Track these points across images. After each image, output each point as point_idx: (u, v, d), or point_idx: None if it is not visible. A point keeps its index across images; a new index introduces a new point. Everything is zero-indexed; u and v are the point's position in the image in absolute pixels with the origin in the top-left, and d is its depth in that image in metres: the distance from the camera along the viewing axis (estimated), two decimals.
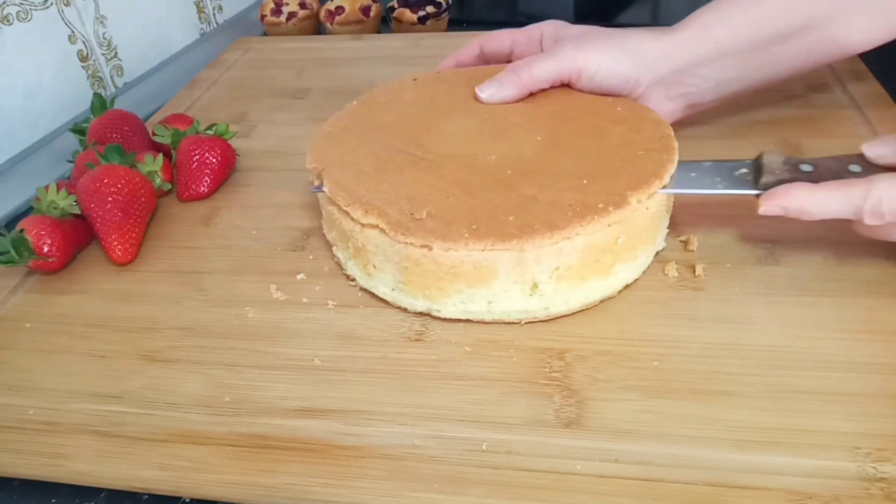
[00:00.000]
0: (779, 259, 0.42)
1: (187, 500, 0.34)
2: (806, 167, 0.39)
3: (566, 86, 0.49)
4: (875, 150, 0.38)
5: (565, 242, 0.37)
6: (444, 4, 0.86)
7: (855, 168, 0.38)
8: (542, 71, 0.47)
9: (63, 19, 0.67)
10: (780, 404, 0.33)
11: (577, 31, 0.50)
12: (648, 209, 0.39)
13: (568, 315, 0.39)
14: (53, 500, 0.35)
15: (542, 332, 0.39)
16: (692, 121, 0.52)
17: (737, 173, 0.40)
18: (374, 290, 0.42)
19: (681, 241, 0.44)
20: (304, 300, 0.43)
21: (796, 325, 0.37)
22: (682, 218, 0.44)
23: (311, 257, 0.46)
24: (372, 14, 0.87)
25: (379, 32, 0.90)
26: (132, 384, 0.39)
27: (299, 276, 0.45)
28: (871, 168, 0.38)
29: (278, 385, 0.37)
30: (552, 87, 0.48)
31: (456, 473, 0.32)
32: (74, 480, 0.35)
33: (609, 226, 0.37)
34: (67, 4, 0.67)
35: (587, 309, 0.40)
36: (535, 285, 0.38)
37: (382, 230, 0.39)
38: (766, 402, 0.34)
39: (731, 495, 0.30)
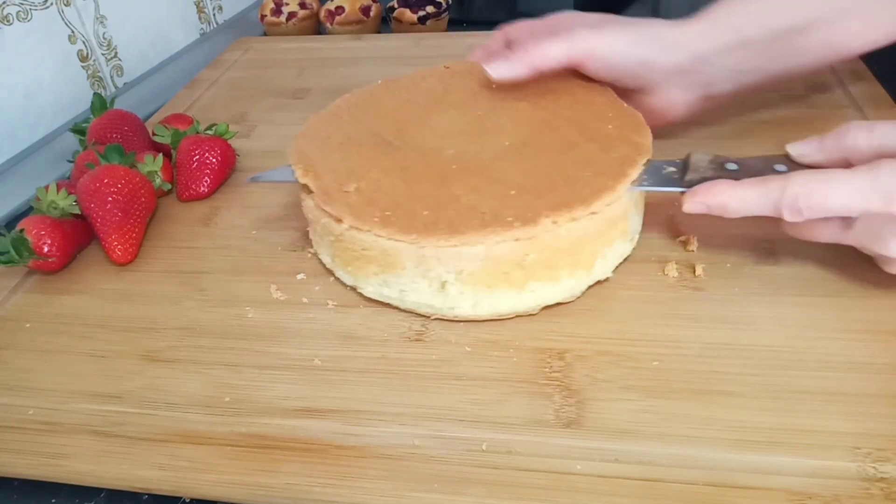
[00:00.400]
0: (779, 259, 0.42)
1: (187, 500, 0.34)
2: (731, 166, 0.39)
3: (582, 87, 0.47)
4: (798, 149, 0.39)
5: (465, 248, 0.36)
6: (444, 4, 0.86)
7: (780, 167, 0.38)
8: (554, 49, 0.45)
9: (63, 19, 0.67)
10: (780, 404, 0.33)
11: (595, 18, 0.49)
12: (570, 232, 0.37)
13: (568, 315, 0.39)
14: (53, 500, 0.35)
15: (542, 332, 0.39)
16: (692, 120, 0.51)
17: (664, 171, 0.41)
18: (321, 258, 0.43)
19: (681, 241, 0.44)
20: (304, 300, 0.43)
21: (796, 325, 0.37)
22: (682, 218, 0.44)
23: (310, 257, 0.46)
24: (372, 14, 0.87)
25: (379, 32, 0.90)
26: (132, 384, 0.39)
27: (299, 276, 0.45)
28: (796, 168, 0.38)
29: (278, 385, 0.37)
30: (565, 94, 0.47)
31: (456, 473, 0.32)
32: (74, 480, 0.35)
33: (517, 240, 0.36)
34: (67, 4, 0.67)
35: (587, 309, 0.40)
36: (443, 284, 0.38)
37: (312, 194, 0.41)
38: (766, 402, 0.34)
39: (731, 495, 0.30)
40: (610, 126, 0.43)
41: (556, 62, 0.46)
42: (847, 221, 0.36)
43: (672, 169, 0.41)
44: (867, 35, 0.45)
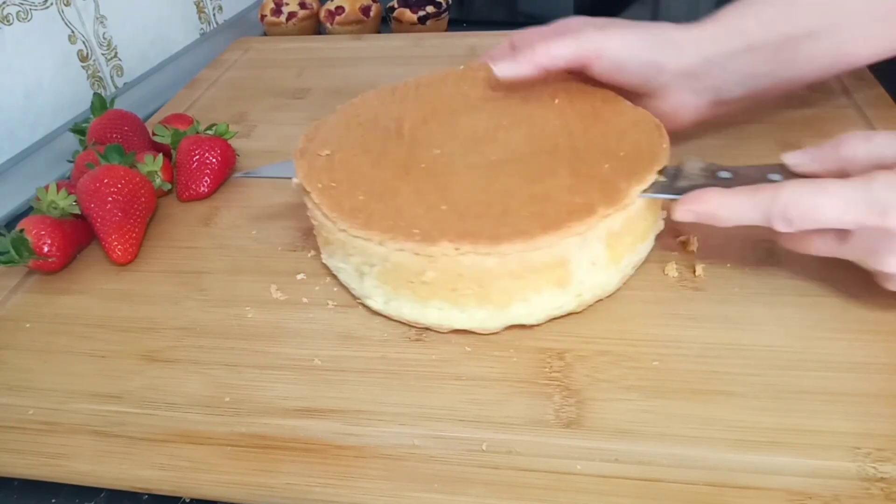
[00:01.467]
0: (779, 259, 0.42)
1: (187, 500, 0.34)
2: (724, 174, 0.38)
3: (600, 97, 0.46)
4: (794, 159, 0.38)
5: (370, 244, 0.38)
6: (444, 4, 0.86)
7: (775, 177, 0.37)
8: (561, 48, 0.45)
9: (63, 19, 0.67)
10: (780, 404, 0.33)
11: (603, 21, 0.48)
12: (475, 264, 0.36)
13: (577, 312, 0.39)
14: (53, 500, 0.35)
15: (542, 332, 0.39)
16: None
17: (656, 179, 0.39)
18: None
19: (681, 242, 0.44)
20: (304, 300, 0.43)
21: (796, 325, 0.37)
22: None
23: (310, 257, 0.46)
24: (372, 14, 0.87)
25: (379, 32, 0.90)
26: (132, 384, 0.39)
27: (299, 276, 0.45)
28: (791, 177, 0.37)
29: (278, 385, 0.37)
30: (592, 110, 0.45)
31: (456, 473, 0.32)
32: (74, 480, 0.35)
33: (416, 254, 0.36)
34: (67, 4, 0.67)
35: (586, 309, 0.40)
36: (361, 273, 0.40)
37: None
38: (766, 402, 0.34)
39: (731, 495, 0.30)
40: (622, 153, 0.40)
41: (562, 61, 0.45)
42: (842, 235, 0.35)
43: (663, 177, 0.40)
44: (876, 45, 0.45)
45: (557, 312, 0.39)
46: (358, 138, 0.45)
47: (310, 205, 0.42)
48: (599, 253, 0.38)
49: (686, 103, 0.46)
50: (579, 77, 0.48)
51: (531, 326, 0.39)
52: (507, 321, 0.38)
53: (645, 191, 0.38)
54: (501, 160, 0.42)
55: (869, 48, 0.45)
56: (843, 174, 0.35)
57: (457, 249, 0.36)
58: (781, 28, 0.44)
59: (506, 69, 0.46)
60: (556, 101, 0.46)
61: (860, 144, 0.35)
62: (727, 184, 0.37)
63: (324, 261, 0.44)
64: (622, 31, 0.45)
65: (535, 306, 0.38)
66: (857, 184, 0.33)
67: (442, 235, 0.36)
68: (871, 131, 0.36)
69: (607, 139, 0.42)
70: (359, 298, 0.42)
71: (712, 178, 0.38)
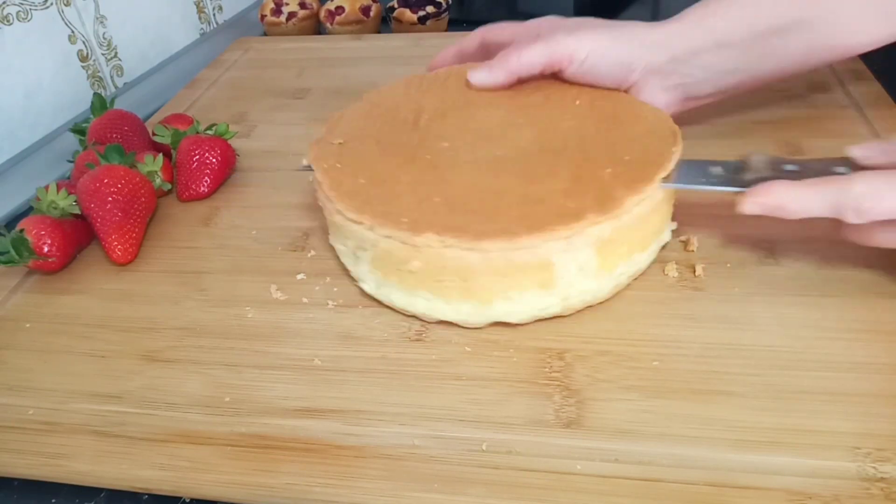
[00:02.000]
0: (779, 259, 0.42)
1: (187, 500, 0.34)
2: (791, 167, 0.38)
3: (623, 101, 0.46)
4: (861, 151, 0.38)
5: (361, 228, 0.39)
6: (444, 4, 0.86)
7: (841, 170, 0.37)
8: (532, 55, 0.46)
9: (63, 19, 0.67)
10: (780, 404, 0.33)
11: (573, 22, 0.49)
12: (458, 257, 0.36)
13: (565, 315, 0.39)
14: (53, 500, 0.35)
15: (542, 332, 0.39)
16: (693, 120, 0.52)
17: (711, 171, 0.40)
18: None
19: (681, 242, 0.44)
20: (304, 300, 0.43)
21: (796, 325, 0.37)
22: (682, 218, 0.44)
23: (310, 257, 0.46)
24: (372, 14, 0.87)
25: (379, 32, 0.90)
26: (132, 384, 0.39)
27: (299, 276, 0.45)
28: (858, 170, 0.37)
29: (278, 385, 0.37)
30: (611, 113, 0.45)
31: (456, 473, 0.32)
32: (74, 480, 0.35)
33: (403, 243, 0.37)
34: (67, 4, 0.67)
35: (586, 309, 0.40)
36: (357, 256, 0.41)
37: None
38: (766, 402, 0.34)
39: (731, 495, 0.30)
40: (609, 170, 0.39)
41: (535, 67, 0.47)
42: None
43: (719, 169, 0.40)
44: (848, 39, 0.45)
45: (542, 314, 0.39)
46: (375, 127, 0.46)
47: (315, 185, 0.43)
48: (589, 259, 0.37)
49: (657, 100, 0.47)
50: None
51: (530, 326, 0.39)
52: (491, 317, 0.38)
53: (685, 182, 0.39)
54: (505, 158, 0.42)
55: (840, 43, 0.45)
56: None
57: (441, 242, 0.36)
58: (749, 25, 0.44)
59: (480, 77, 0.48)
60: (578, 102, 0.46)
61: None
62: (793, 176, 0.37)
63: (330, 242, 0.45)
64: (591, 33, 0.46)
65: (518, 305, 0.38)
66: None
67: (429, 227, 0.36)
68: None
69: (617, 143, 0.42)
70: (355, 280, 0.43)
71: (779, 171, 0.38)
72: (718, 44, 0.45)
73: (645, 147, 0.41)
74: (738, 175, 0.39)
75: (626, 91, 0.47)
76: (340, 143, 0.45)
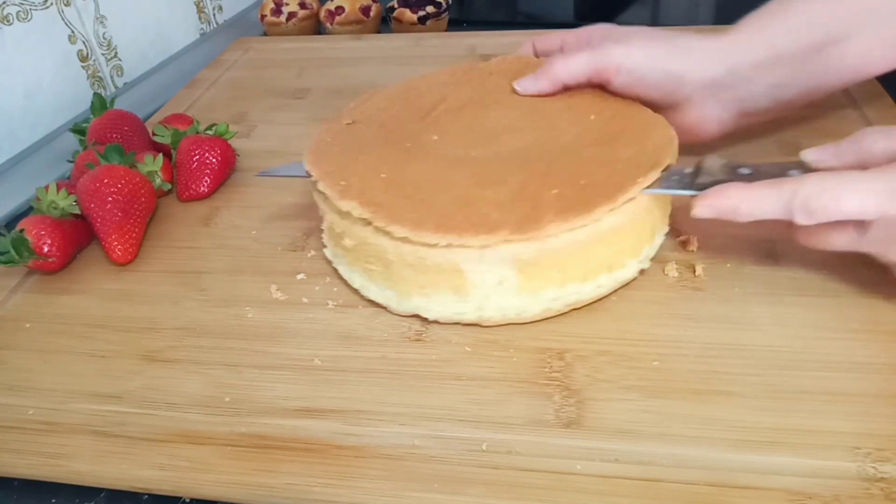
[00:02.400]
0: (779, 259, 0.42)
1: (187, 500, 0.34)
2: (745, 171, 0.38)
3: (639, 119, 0.44)
4: (813, 155, 0.37)
5: (322, 195, 0.41)
6: (444, 4, 0.86)
7: (795, 173, 0.37)
8: (577, 64, 0.45)
9: (63, 19, 0.67)
10: (780, 404, 0.33)
11: (624, 31, 0.48)
12: (427, 253, 0.36)
13: (568, 315, 0.39)
14: (53, 500, 0.35)
15: (542, 332, 0.39)
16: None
17: (674, 176, 0.39)
18: None
19: (681, 242, 0.44)
20: (304, 300, 0.43)
21: (796, 325, 0.37)
22: (682, 218, 0.44)
23: (310, 257, 0.46)
24: (372, 14, 0.87)
25: (379, 32, 0.90)
26: (132, 384, 0.39)
27: (299, 276, 0.45)
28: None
29: (278, 385, 0.37)
30: (618, 130, 0.43)
31: (456, 473, 0.32)
32: (74, 480, 0.35)
33: (375, 230, 0.38)
34: (67, 4, 0.67)
35: (584, 307, 0.40)
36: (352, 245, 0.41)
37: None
38: (766, 402, 0.34)
39: (731, 495, 0.30)
40: (555, 191, 0.37)
41: (581, 77, 0.46)
42: (861, 227, 0.34)
43: (686, 171, 0.39)
44: None
45: (457, 318, 0.39)
46: (390, 112, 0.47)
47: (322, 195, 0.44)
48: (508, 276, 0.37)
49: (710, 116, 0.46)
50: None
51: (530, 326, 0.39)
52: (410, 309, 0.40)
53: (649, 186, 0.38)
54: (477, 158, 0.42)
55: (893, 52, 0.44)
56: (862, 169, 0.35)
57: (361, 212, 0.37)
58: (807, 35, 0.43)
59: (525, 85, 0.48)
60: (593, 117, 0.44)
61: (879, 139, 0.35)
62: (747, 180, 0.37)
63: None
64: (642, 42, 0.45)
65: (433, 304, 0.39)
66: (878, 174, 0.33)
67: (357, 196, 0.38)
68: (890, 126, 0.36)
69: (599, 164, 0.39)
70: (325, 246, 0.45)
71: (733, 175, 0.38)
72: (777, 56, 0.43)
73: (620, 173, 0.38)
74: (694, 179, 0.39)
75: (677, 106, 0.45)
76: (349, 124, 0.46)
